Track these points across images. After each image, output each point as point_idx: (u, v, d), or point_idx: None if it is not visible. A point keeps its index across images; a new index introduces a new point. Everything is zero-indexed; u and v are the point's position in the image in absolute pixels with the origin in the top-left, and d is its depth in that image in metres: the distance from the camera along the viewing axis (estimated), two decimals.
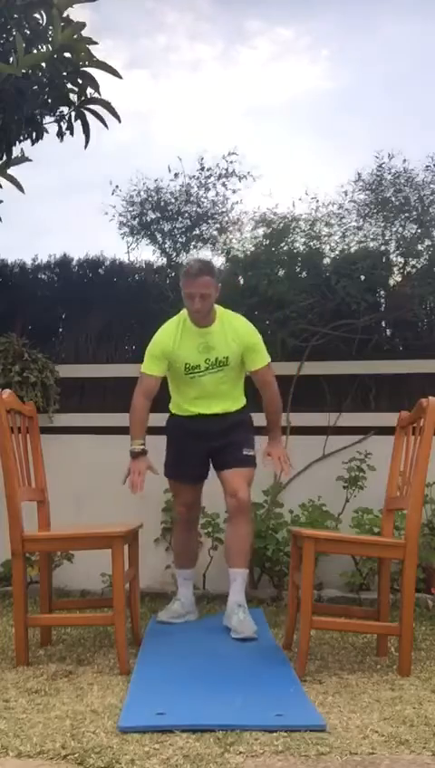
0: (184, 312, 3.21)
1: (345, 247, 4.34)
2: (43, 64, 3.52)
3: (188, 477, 3.32)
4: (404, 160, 4.30)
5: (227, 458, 3.21)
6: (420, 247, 4.26)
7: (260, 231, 4.40)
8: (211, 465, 3.30)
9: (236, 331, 3.19)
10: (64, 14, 3.50)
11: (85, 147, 3.75)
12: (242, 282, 4.33)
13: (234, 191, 4.42)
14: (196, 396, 3.23)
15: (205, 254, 4.56)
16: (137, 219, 4.47)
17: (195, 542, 3.51)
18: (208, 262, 3.21)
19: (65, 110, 3.74)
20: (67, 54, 3.52)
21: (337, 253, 4.34)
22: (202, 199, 4.43)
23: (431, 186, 4.27)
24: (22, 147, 3.75)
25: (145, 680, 2.43)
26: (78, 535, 2.76)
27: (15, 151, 3.74)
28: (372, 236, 4.33)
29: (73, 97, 3.69)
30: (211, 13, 7.31)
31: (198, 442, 3.24)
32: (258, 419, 3.36)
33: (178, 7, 7.37)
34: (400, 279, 4.40)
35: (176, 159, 4.45)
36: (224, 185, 4.40)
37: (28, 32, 3.51)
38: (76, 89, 3.66)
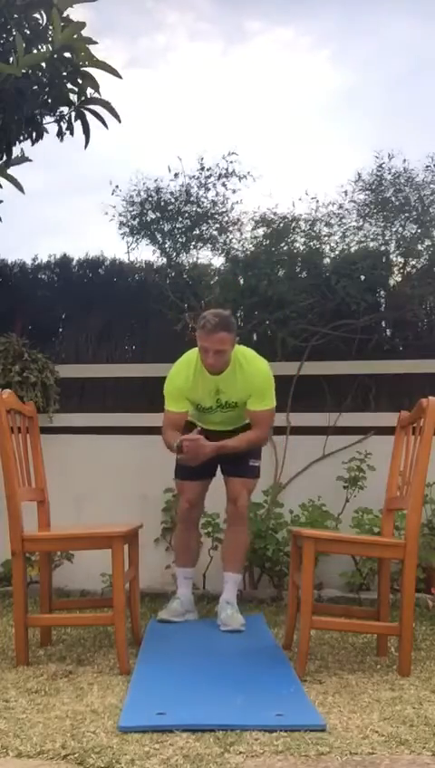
0: (196, 355, 3.20)
1: (345, 247, 4.34)
2: (43, 64, 3.52)
3: (196, 474, 3.31)
4: (404, 160, 4.31)
5: (234, 466, 3.30)
6: (420, 247, 4.26)
7: (260, 231, 4.40)
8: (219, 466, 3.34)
9: (246, 380, 3.16)
10: (64, 14, 3.50)
11: (85, 147, 3.75)
12: (242, 282, 4.34)
13: (234, 191, 4.42)
14: (208, 422, 3.28)
15: (205, 254, 4.58)
16: (137, 219, 4.46)
17: (196, 541, 3.50)
18: (227, 316, 3.11)
19: (65, 110, 3.73)
20: (67, 54, 3.52)
21: (337, 253, 4.34)
22: (202, 199, 4.43)
23: (431, 186, 4.27)
24: (22, 147, 3.76)
25: (145, 680, 2.43)
26: (78, 535, 2.76)
27: (15, 151, 3.74)
28: (372, 236, 4.33)
29: (73, 97, 3.69)
30: (211, 12, 7.31)
31: (209, 437, 3.22)
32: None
33: (177, 7, 7.38)
34: (400, 279, 4.40)
35: (176, 159, 4.46)
36: (224, 185, 4.40)
37: (28, 32, 3.51)
38: (76, 89, 3.66)
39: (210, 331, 3.03)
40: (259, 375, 3.20)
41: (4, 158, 3.69)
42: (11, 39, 3.42)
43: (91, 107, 3.70)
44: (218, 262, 4.58)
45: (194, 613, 3.40)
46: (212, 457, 3.21)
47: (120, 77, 3.55)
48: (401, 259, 4.36)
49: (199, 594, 3.73)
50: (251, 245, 4.39)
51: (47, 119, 3.75)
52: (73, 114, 3.74)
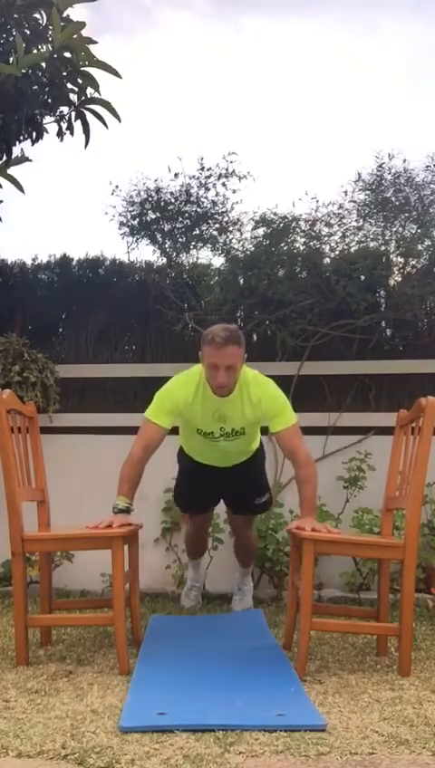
0: (201, 374, 2.96)
1: (345, 247, 4.34)
2: (43, 64, 3.52)
3: (199, 509, 3.40)
4: (404, 160, 4.31)
5: (239, 504, 3.35)
6: (420, 247, 4.26)
7: (260, 231, 4.40)
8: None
9: (253, 402, 2.94)
10: (64, 14, 3.50)
11: (85, 147, 3.75)
12: (242, 282, 4.34)
13: (234, 191, 4.42)
14: (209, 453, 3.13)
15: (205, 254, 4.58)
16: (137, 219, 4.47)
17: (205, 538, 3.70)
18: (236, 330, 2.89)
19: (65, 110, 3.73)
20: (67, 54, 3.52)
21: (337, 253, 4.34)
22: (202, 199, 4.43)
23: (431, 186, 4.27)
24: (22, 147, 3.76)
25: (145, 680, 2.43)
26: (78, 535, 2.75)
27: (15, 151, 3.74)
28: (372, 236, 4.33)
29: (73, 97, 3.69)
30: (210, 11, 7.31)
31: (210, 477, 3.22)
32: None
33: (176, 6, 7.38)
34: (400, 279, 4.40)
35: (176, 159, 4.46)
36: (224, 185, 4.40)
37: (28, 32, 3.51)
38: (76, 89, 3.66)
39: (220, 345, 2.79)
40: (270, 393, 2.95)
41: (4, 158, 3.69)
42: (11, 39, 3.42)
43: (92, 107, 3.70)
44: (218, 262, 4.58)
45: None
46: (215, 490, 3.24)
47: (120, 77, 3.55)
48: (401, 259, 4.36)
49: (198, 595, 3.73)
50: (251, 245, 4.39)
51: (47, 119, 3.74)
52: (73, 114, 3.73)
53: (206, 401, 2.94)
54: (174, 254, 4.56)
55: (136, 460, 2.88)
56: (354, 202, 4.34)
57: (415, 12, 7.13)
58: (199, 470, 3.23)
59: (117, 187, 4.45)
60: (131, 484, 2.88)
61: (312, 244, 4.34)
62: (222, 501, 3.45)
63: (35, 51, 3.47)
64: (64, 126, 3.75)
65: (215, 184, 4.41)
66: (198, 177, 4.42)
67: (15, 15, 3.48)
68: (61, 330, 4.87)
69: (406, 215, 4.25)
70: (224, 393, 2.89)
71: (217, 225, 4.46)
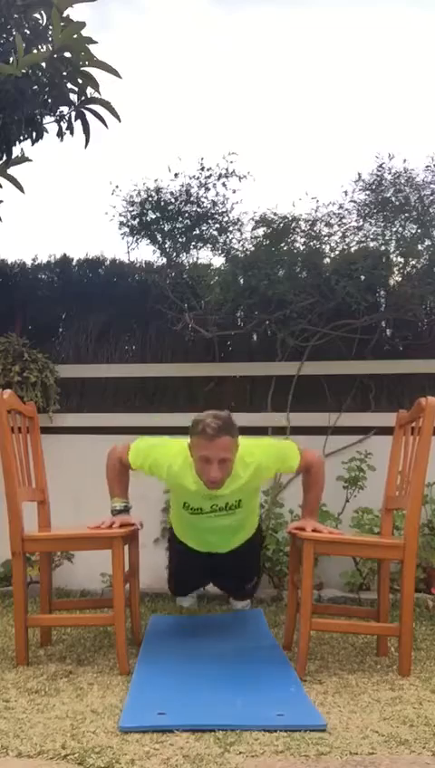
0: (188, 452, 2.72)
1: (345, 247, 4.34)
2: (43, 64, 3.52)
3: (190, 589, 3.40)
4: (404, 160, 4.31)
5: (229, 586, 3.33)
6: (420, 247, 4.26)
7: (260, 231, 4.40)
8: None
9: (250, 473, 2.73)
10: (64, 14, 3.50)
11: (85, 147, 3.75)
12: (242, 282, 4.34)
13: (234, 191, 4.42)
14: (199, 533, 2.92)
15: (205, 254, 4.57)
16: (137, 219, 4.46)
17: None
18: (228, 418, 2.63)
19: (65, 110, 3.74)
20: (67, 54, 3.52)
21: (337, 253, 4.34)
22: (202, 199, 4.42)
23: (431, 186, 4.27)
24: (22, 147, 3.76)
25: (145, 680, 2.43)
26: (78, 535, 2.76)
27: (15, 151, 3.74)
28: (372, 236, 4.33)
29: (73, 97, 3.70)
30: (209, 10, 7.31)
31: (201, 560, 3.05)
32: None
33: (174, 4, 7.37)
34: (400, 279, 4.40)
35: (176, 159, 4.46)
36: (224, 185, 4.40)
37: (28, 32, 3.51)
38: (76, 89, 3.67)
39: (212, 436, 2.55)
40: (262, 458, 2.75)
41: (4, 158, 3.69)
42: (11, 39, 3.42)
43: (92, 107, 3.71)
44: (218, 262, 4.58)
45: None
46: (206, 573, 3.17)
47: (120, 77, 3.55)
48: (400, 259, 4.36)
49: (199, 594, 3.73)
50: (251, 245, 4.39)
51: (47, 119, 3.74)
52: (73, 114, 3.74)
53: (194, 483, 2.72)
54: (174, 254, 4.55)
55: (117, 467, 2.87)
56: (354, 202, 4.33)
57: (416, 10, 7.13)
58: (191, 553, 3.03)
59: (117, 186, 4.45)
60: (121, 484, 2.87)
61: (312, 244, 4.34)
62: None
63: (35, 51, 3.47)
64: (64, 126, 3.76)
65: (215, 184, 4.41)
66: (197, 177, 4.42)
67: (15, 15, 3.49)
68: (61, 330, 4.87)
69: (406, 215, 4.24)
70: (216, 488, 2.67)
71: (217, 225, 4.45)
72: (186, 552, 3.04)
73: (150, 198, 4.43)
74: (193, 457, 2.66)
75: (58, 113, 3.75)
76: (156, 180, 4.44)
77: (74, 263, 5.01)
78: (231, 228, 4.46)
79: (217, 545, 2.96)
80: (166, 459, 2.75)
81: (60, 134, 3.77)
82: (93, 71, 3.58)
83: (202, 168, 4.40)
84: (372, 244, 4.32)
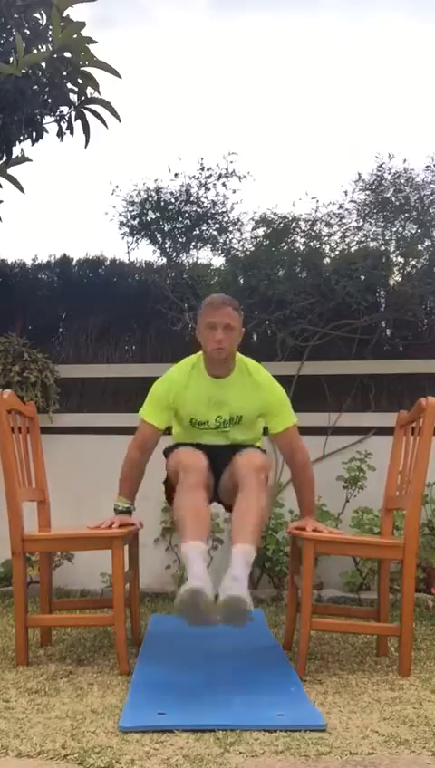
0: (198, 359, 2.82)
1: (345, 247, 4.34)
2: (43, 64, 3.52)
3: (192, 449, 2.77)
4: (404, 160, 4.31)
5: (235, 452, 2.74)
6: (420, 247, 4.26)
7: (260, 231, 4.41)
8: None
9: (256, 387, 2.76)
10: (64, 14, 3.50)
11: (85, 147, 3.76)
12: (242, 282, 4.34)
13: (234, 191, 4.42)
14: (205, 442, 2.84)
15: (205, 254, 4.58)
16: (137, 219, 4.47)
17: (206, 506, 2.60)
18: (231, 296, 2.81)
19: (65, 110, 3.74)
20: (67, 54, 3.52)
21: (337, 253, 4.34)
22: (202, 199, 4.43)
23: (431, 186, 4.28)
24: (22, 147, 3.76)
25: (145, 680, 2.43)
26: (78, 535, 2.76)
27: (15, 151, 3.74)
28: (372, 236, 4.33)
29: (73, 97, 3.70)
30: (209, 10, 7.31)
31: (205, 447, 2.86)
32: None
33: (175, 4, 7.38)
34: (400, 279, 4.40)
35: (176, 159, 4.46)
36: (224, 185, 4.41)
37: (28, 32, 3.51)
38: (76, 89, 3.67)
39: (218, 305, 2.70)
40: (271, 382, 2.80)
41: (4, 158, 3.69)
42: (11, 39, 3.42)
43: (92, 107, 3.71)
44: (218, 262, 4.59)
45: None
46: (210, 451, 2.73)
47: (120, 77, 3.55)
48: (400, 259, 4.36)
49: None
50: (251, 245, 4.39)
51: (47, 119, 3.75)
52: (73, 114, 3.74)
53: (201, 386, 2.75)
54: (174, 254, 4.56)
55: (134, 461, 2.83)
56: (354, 202, 4.34)
57: (415, 10, 7.13)
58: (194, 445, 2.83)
59: (117, 187, 4.46)
60: (132, 484, 2.85)
61: (312, 244, 4.35)
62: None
63: (35, 51, 3.47)
64: (64, 126, 3.76)
65: (215, 184, 4.42)
66: (197, 177, 4.42)
67: (15, 15, 3.49)
68: (61, 330, 4.88)
69: (406, 215, 4.25)
70: (221, 356, 2.69)
71: (217, 225, 4.46)
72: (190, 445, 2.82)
73: (150, 198, 4.44)
74: (200, 336, 2.75)
75: (58, 113, 3.75)
76: (156, 180, 4.45)
77: (74, 263, 5.02)
78: (231, 228, 4.46)
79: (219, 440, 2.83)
80: (171, 382, 2.80)
81: (60, 134, 3.77)
82: (93, 71, 3.59)
83: (202, 168, 4.41)
84: (372, 244, 4.32)
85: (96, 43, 3.51)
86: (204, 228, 4.46)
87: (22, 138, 3.75)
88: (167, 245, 4.53)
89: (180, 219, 4.45)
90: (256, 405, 2.78)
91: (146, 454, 2.84)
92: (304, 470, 2.83)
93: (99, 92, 3.66)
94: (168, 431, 2.93)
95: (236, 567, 2.33)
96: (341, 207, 4.34)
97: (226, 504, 2.91)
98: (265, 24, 7.43)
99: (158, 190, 4.44)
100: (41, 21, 3.56)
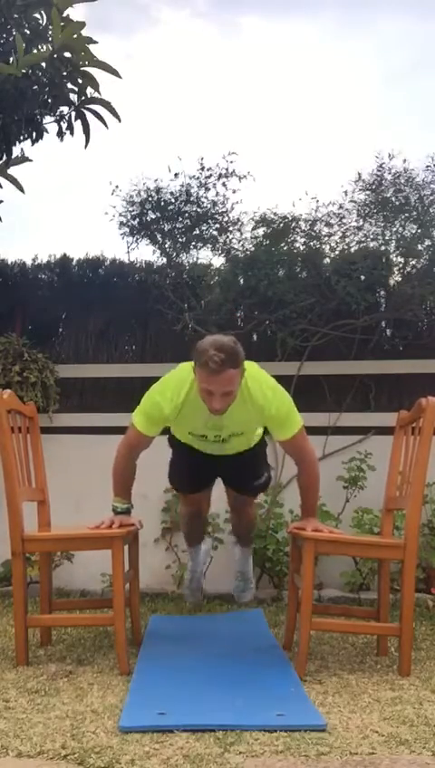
0: (193, 380, 2.61)
1: (345, 247, 4.34)
2: (43, 64, 3.52)
3: (195, 488, 3.08)
4: (404, 160, 4.31)
5: (237, 485, 3.04)
6: (420, 247, 4.26)
7: (260, 231, 4.41)
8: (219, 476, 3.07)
9: (257, 409, 2.64)
10: (64, 14, 3.50)
11: (85, 147, 3.75)
12: (242, 282, 4.34)
13: (234, 191, 4.42)
14: (203, 448, 2.86)
15: (205, 254, 4.57)
16: (137, 219, 4.47)
17: (203, 522, 3.33)
18: (232, 347, 2.47)
19: (65, 110, 3.74)
20: (67, 54, 3.52)
21: (337, 253, 4.34)
22: (202, 199, 4.43)
23: (431, 186, 4.28)
24: (22, 147, 3.76)
25: (145, 680, 2.43)
26: (78, 535, 2.76)
27: (15, 151, 3.74)
28: (372, 236, 4.33)
29: (73, 97, 3.70)
30: (209, 9, 7.31)
31: (206, 461, 2.91)
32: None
33: (174, 4, 7.38)
34: (400, 279, 4.40)
35: (176, 159, 4.46)
36: (224, 185, 4.41)
37: (28, 32, 3.51)
38: (76, 89, 3.67)
39: (215, 371, 2.43)
40: (275, 397, 2.66)
41: (4, 158, 3.69)
42: (11, 39, 3.42)
43: (92, 107, 3.71)
44: (218, 262, 4.59)
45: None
46: (211, 467, 2.91)
47: (120, 77, 3.55)
48: (400, 259, 4.36)
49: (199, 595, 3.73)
50: (251, 245, 4.39)
51: (47, 119, 3.75)
52: (73, 114, 3.74)
53: (197, 410, 2.63)
54: (174, 254, 4.56)
55: (125, 462, 2.81)
56: (354, 202, 4.34)
57: (414, 9, 7.13)
58: (194, 454, 2.90)
59: (117, 187, 4.46)
60: (125, 484, 2.84)
61: (312, 244, 4.35)
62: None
63: (35, 51, 3.47)
64: (64, 126, 3.76)
65: (215, 184, 4.41)
66: (197, 177, 4.42)
67: (15, 15, 3.49)
68: (61, 330, 4.87)
69: (406, 215, 4.25)
70: (218, 415, 2.60)
71: (217, 225, 4.46)
72: (188, 450, 2.88)
73: (150, 198, 4.43)
74: (197, 385, 2.57)
75: (58, 113, 3.75)
76: (156, 180, 4.45)
77: (74, 263, 5.01)
78: (231, 228, 4.46)
79: (219, 451, 2.85)
80: (166, 403, 2.66)
81: (60, 134, 3.77)
82: (93, 71, 3.59)
83: (202, 168, 4.41)
84: (372, 244, 4.32)
85: (96, 42, 3.52)
86: (204, 228, 4.46)
87: (22, 138, 3.75)
88: (167, 245, 4.53)
89: (180, 219, 4.45)
90: (257, 422, 2.75)
91: (135, 455, 2.82)
92: (310, 472, 2.80)
93: (99, 92, 3.66)
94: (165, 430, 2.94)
95: (239, 563, 3.30)
96: (341, 207, 4.34)
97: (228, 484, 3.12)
98: (266, 24, 7.43)
99: (158, 190, 4.44)
100: (41, 21, 3.56)
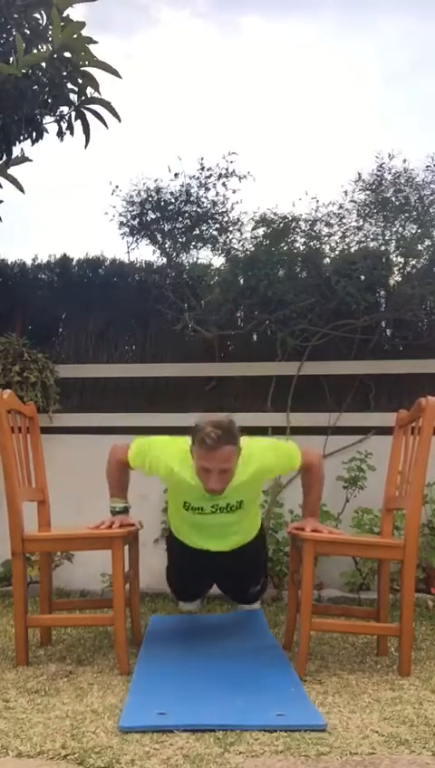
0: (189, 452, 2.65)
1: (345, 247, 4.34)
2: (43, 64, 3.52)
3: (193, 594, 3.28)
4: (404, 160, 4.31)
5: (232, 592, 3.24)
6: (420, 247, 4.26)
7: (260, 231, 4.40)
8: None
9: (252, 475, 2.69)
10: (64, 14, 3.50)
11: (85, 147, 3.75)
12: (242, 282, 4.34)
13: (234, 191, 4.42)
14: (199, 531, 2.84)
15: (205, 254, 4.57)
16: (137, 219, 4.47)
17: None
18: (228, 424, 2.53)
19: (65, 110, 3.74)
20: (67, 54, 3.52)
21: (337, 253, 4.34)
22: (202, 199, 4.43)
23: (431, 186, 4.28)
24: (22, 147, 3.76)
25: (145, 680, 2.43)
26: (78, 535, 2.76)
27: (15, 151, 3.74)
28: (372, 236, 4.33)
29: (73, 97, 3.70)
30: (207, 9, 7.31)
31: (202, 561, 2.92)
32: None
33: (173, 3, 7.38)
34: (400, 279, 4.40)
35: (176, 159, 4.46)
36: (224, 185, 4.41)
37: (28, 32, 3.51)
38: (76, 89, 3.67)
39: (212, 447, 2.49)
40: (265, 459, 2.71)
41: (4, 158, 3.69)
42: (11, 39, 3.42)
43: (92, 107, 3.70)
44: (218, 262, 4.59)
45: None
46: (209, 569, 2.96)
47: (120, 77, 3.55)
48: (400, 259, 4.36)
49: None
50: (251, 245, 4.39)
51: (47, 119, 3.74)
52: (73, 114, 3.74)
53: (194, 482, 2.66)
54: (174, 254, 4.56)
55: (119, 467, 2.83)
56: (354, 202, 4.34)
57: (414, 9, 7.13)
58: (191, 554, 2.92)
59: (117, 187, 4.46)
60: (121, 483, 2.85)
61: (312, 244, 4.35)
62: None
63: (35, 51, 3.47)
64: (64, 126, 3.75)
65: (215, 184, 4.41)
66: (197, 177, 4.42)
67: (15, 15, 3.49)
68: (61, 330, 4.87)
69: (406, 215, 4.25)
70: (216, 495, 2.65)
71: (217, 225, 4.46)
72: (186, 552, 2.94)
73: (150, 198, 4.43)
74: (194, 463, 2.62)
75: (58, 113, 3.75)
76: (156, 180, 4.45)
77: (74, 263, 5.01)
78: (231, 228, 4.46)
79: (217, 540, 2.85)
80: (166, 458, 2.71)
81: (60, 134, 3.77)
82: (93, 71, 3.59)
83: (202, 168, 4.41)
84: (372, 244, 4.32)
85: (96, 42, 3.51)
86: (204, 228, 4.46)
87: (22, 138, 3.75)
88: (167, 245, 4.53)
89: (180, 219, 4.45)
90: (257, 484, 2.81)
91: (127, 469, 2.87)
92: (315, 471, 2.83)
93: (99, 92, 3.66)
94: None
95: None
96: (341, 207, 4.34)
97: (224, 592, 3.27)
98: (265, 24, 7.43)
99: (158, 190, 4.44)
100: (41, 21, 3.56)
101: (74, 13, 3.57)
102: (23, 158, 3.64)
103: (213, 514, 2.76)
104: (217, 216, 4.44)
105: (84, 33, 3.49)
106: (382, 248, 4.31)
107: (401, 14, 7.27)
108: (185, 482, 2.69)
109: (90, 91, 3.67)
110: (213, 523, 2.79)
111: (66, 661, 2.72)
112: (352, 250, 4.32)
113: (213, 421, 2.52)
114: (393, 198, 4.27)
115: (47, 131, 3.78)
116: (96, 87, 3.63)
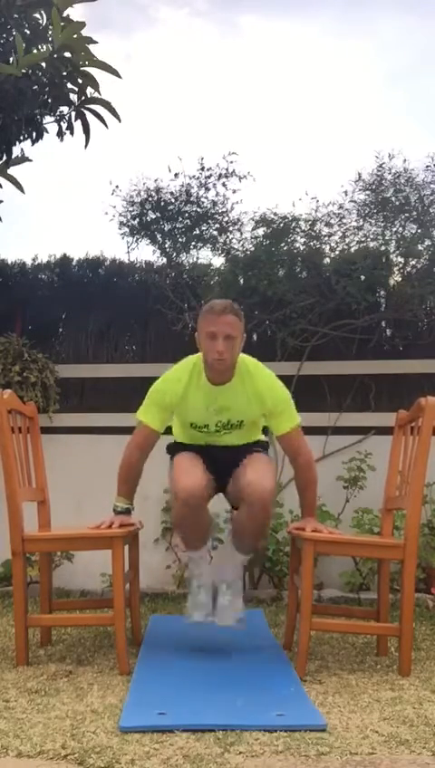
0: (198, 360, 2.75)
1: (345, 247, 4.34)
2: (43, 64, 3.52)
3: (193, 479, 2.68)
4: (404, 160, 4.32)
5: (239, 457, 2.78)
6: (420, 247, 4.26)
7: (260, 231, 4.41)
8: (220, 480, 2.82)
9: (257, 394, 2.72)
10: (64, 14, 3.50)
11: (85, 147, 3.76)
12: (242, 282, 4.34)
13: (234, 191, 4.42)
14: (205, 442, 2.85)
15: (205, 254, 4.58)
16: (137, 219, 4.47)
17: (207, 519, 2.79)
18: (232, 302, 2.73)
19: (65, 110, 3.74)
20: (67, 54, 3.52)
21: (337, 253, 4.34)
22: (202, 199, 4.43)
23: (431, 186, 4.28)
24: (22, 147, 3.77)
25: (145, 680, 2.43)
26: (78, 535, 2.75)
27: (15, 151, 3.74)
28: (372, 236, 4.33)
29: (73, 97, 3.70)
30: (206, 8, 7.31)
31: (208, 450, 2.83)
32: None
33: (172, 2, 7.38)
34: (400, 279, 4.40)
35: (176, 159, 4.46)
36: (224, 185, 4.41)
37: (28, 32, 3.52)
38: (76, 89, 3.67)
39: (219, 312, 2.62)
40: (275, 386, 2.75)
41: (4, 158, 3.69)
42: (11, 39, 3.42)
43: (92, 107, 3.71)
44: (218, 262, 4.59)
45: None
46: (211, 464, 2.73)
47: (120, 77, 3.55)
48: (401, 259, 4.36)
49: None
50: (251, 245, 4.39)
51: (47, 119, 3.75)
52: (73, 114, 3.74)
53: (200, 392, 2.71)
54: (174, 254, 4.56)
55: (132, 461, 2.81)
56: (354, 202, 4.34)
57: (414, 9, 7.13)
58: (197, 449, 2.83)
59: (117, 186, 4.46)
60: (130, 484, 2.84)
61: (312, 244, 4.35)
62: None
63: (35, 51, 3.47)
64: (64, 126, 3.76)
65: (215, 184, 4.42)
66: (197, 177, 4.42)
67: (15, 15, 3.49)
68: (61, 330, 4.88)
69: (406, 215, 4.25)
70: (222, 367, 2.65)
71: (217, 225, 4.46)
72: (191, 448, 2.83)
73: (150, 198, 4.44)
74: (200, 344, 2.69)
75: (58, 113, 3.75)
76: (156, 180, 4.45)
77: (74, 263, 5.02)
78: (231, 228, 4.46)
79: (222, 442, 2.81)
80: (171, 388, 2.74)
81: (60, 134, 3.77)
82: (93, 71, 3.59)
83: (202, 168, 4.41)
84: (372, 244, 4.32)
85: (96, 42, 3.52)
86: (204, 228, 4.46)
87: (22, 138, 3.75)
88: (167, 245, 4.53)
89: (180, 219, 4.45)
90: (257, 410, 2.77)
91: (144, 455, 2.82)
92: (307, 471, 2.81)
93: (99, 92, 3.67)
94: (167, 430, 2.93)
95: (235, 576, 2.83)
96: (341, 207, 4.34)
97: (230, 502, 2.96)
98: (265, 23, 7.43)
99: (158, 190, 4.44)
100: (41, 21, 3.56)
101: (74, 13, 3.58)
102: (23, 158, 3.64)
103: (217, 433, 2.79)
104: (217, 216, 4.45)
105: (84, 32, 3.50)
106: (382, 248, 4.32)
107: (401, 13, 7.28)
108: (192, 396, 2.72)
109: (90, 91, 3.67)
110: (218, 444, 2.82)
111: (66, 661, 2.72)
112: (353, 250, 4.32)
113: (219, 298, 2.73)
114: (393, 198, 4.27)
115: (47, 131, 3.79)
116: (96, 87, 3.63)
